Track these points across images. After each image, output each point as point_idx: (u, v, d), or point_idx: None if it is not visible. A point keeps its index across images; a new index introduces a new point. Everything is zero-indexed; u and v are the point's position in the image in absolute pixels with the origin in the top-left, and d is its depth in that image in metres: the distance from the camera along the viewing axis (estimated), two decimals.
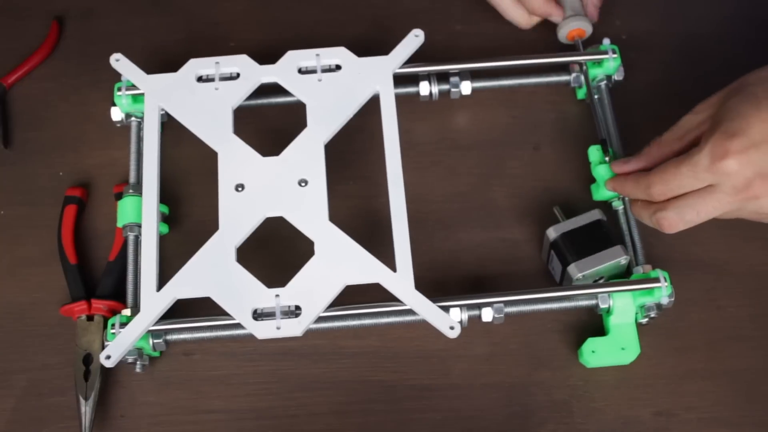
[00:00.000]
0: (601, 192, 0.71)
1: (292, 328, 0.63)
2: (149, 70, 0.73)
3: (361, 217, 0.70)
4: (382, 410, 0.68)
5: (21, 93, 0.80)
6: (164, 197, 0.73)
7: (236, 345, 0.70)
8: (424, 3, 0.83)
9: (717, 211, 0.62)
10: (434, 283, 0.71)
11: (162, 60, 0.77)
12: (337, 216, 0.70)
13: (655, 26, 0.81)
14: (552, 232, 0.68)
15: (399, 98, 0.76)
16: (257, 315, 0.64)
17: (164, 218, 0.72)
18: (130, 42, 0.81)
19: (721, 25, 0.81)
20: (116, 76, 0.74)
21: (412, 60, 0.74)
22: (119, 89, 0.73)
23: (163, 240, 0.72)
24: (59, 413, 0.68)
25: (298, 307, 0.64)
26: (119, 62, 0.73)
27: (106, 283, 0.71)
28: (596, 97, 0.76)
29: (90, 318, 0.70)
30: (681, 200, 0.63)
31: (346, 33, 0.81)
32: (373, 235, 0.69)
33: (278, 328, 0.63)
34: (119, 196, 0.72)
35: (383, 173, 0.69)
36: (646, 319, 0.67)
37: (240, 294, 0.64)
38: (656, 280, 0.66)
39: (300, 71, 0.73)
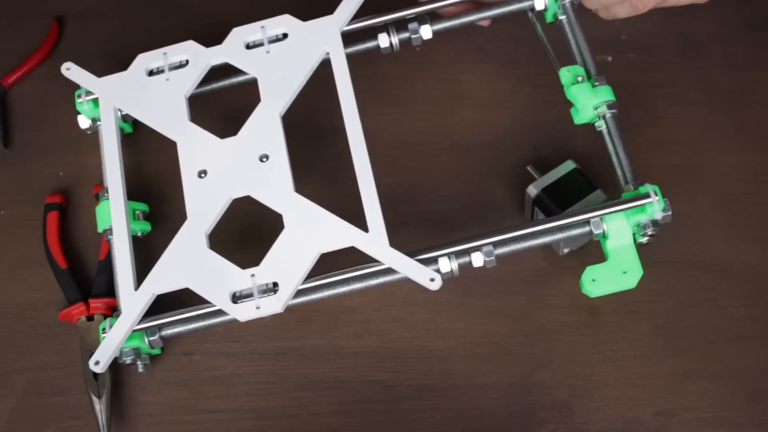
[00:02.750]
0: (582, 114, 0.69)
1: (272, 306, 0.63)
2: None
3: (361, 216, 0.70)
4: (382, 410, 0.68)
5: (21, 93, 0.80)
6: (150, 195, 0.73)
7: (236, 345, 0.70)
8: None
9: None
10: None
11: None
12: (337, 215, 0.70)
13: (655, 26, 0.81)
14: (532, 189, 0.68)
15: (399, 98, 0.76)
16: (236, 298, 0.64)
17: (146, 216, 0.72)
18: (130, 42, 0.81)
19: (721, 25, 0.81)
20: None
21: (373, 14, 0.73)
22: (79, 96, 0.73)
23: (151, 238, 0.72)
24: (59, 413, 0.68)
25: (275, 284, 0.63)
26: (70, 70, 0.73)
27: (100, 282, 0.71)
28: (563, 17, 0.73)
29: (90, 318, 0.70)
30: None
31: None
32: None
33: (258, 308, 0.63)
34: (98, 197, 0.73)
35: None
36: (646, 238, 0.65)
37: (216, 280, 0.64)
38: (646, 195, 0.64)
39: (247, 47, 0.72)
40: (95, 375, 0.67)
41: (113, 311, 0.70)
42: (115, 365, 0.67)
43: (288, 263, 0.64)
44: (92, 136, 0.76)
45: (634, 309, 0.69)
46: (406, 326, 0.70)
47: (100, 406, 0.67)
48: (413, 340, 0.70)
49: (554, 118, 0.77)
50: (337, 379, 0.69)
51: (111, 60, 0.79)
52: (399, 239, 0.71)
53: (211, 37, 0.81)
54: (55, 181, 0.76)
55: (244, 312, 0.63)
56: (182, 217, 0.72)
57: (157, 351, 0.68)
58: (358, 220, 0.68)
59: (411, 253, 0.64)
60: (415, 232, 0.73)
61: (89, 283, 0.72)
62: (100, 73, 0.73)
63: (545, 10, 0.74)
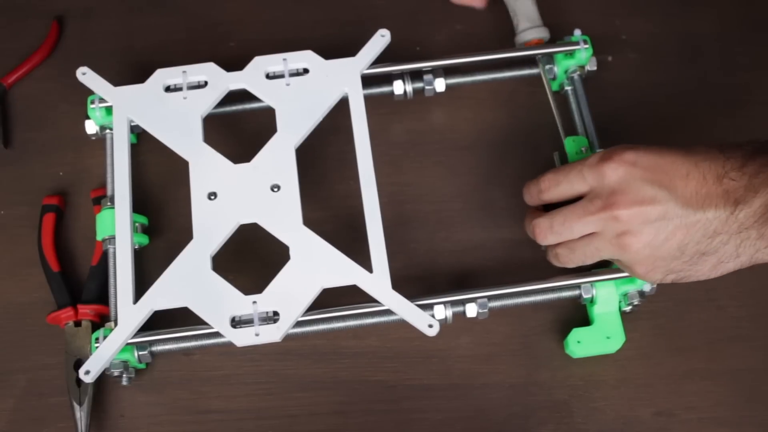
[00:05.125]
0: None
1: (271, 334, 0.63)
2: (149, 70, 0.73)
3: (361, 216, 0.70)
4: (382, 410, 0.68)
5: (21, 93, 0.80)
6: (148, 207, 0.73)
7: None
8: (426, 2, 0.83)
9: (583, 224, 0.62)
10: (435, 284, 0.71)
11: (162, 60, 0.76)
12: (337, 215, 0.70)
13: (655, 26, 0.81)
14: None
15: (397, 98, 0.76)
16: (236, 323, 0.64)
17: (144, 229, 0.72)
18: (130, 42, 0.81)
19: (721, 25, 0.81)
20: (115, 77, 0.74)
21: (402, 60, 0.75)
22: (92, 102, 0.73)
23: (149, 250, 0.72)
24: (59, 413, 0.68)
25: (276, 313, 0.64)
26: (86, 76, 0.73)
27: (90, 288, 0.70)
28: (570, 88, 0.76)
29: (78, 324, 0.69)
30: (556, 211, 0.64)
31: (347, 33, 0.81)
32: None
33: (257, 335, 0.63)
34: (97, 201, 0.73)
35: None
36: (630, 307, 0.68)
37: (217, 302, 0.64)
38: None
39: (268, 76, 0.72)
40: (78, 382, 0.67)
41: (102, 318, 0.70)
42: (101, 374, 0.68)
43: (290, 294, 0.64)
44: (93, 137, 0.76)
45: (634, 309, 0.69)
46: (406, 326, 0.70)
47: (80, 413, 0.67)
48: (413, 340, 0.70)
49: (554, 118, 0.77)
50: (337, 379, 0.69)
51: (111, 60, 0.79)
52: (399, 240, 0.71)
53: (211, 37, 0.81)
54: (55, 182, 0.76)
55: (242, 338, 0.63)
56: (177, 232, 0.72)
57: (143, 366, 0.68)
58: (355, 222, 0.68)
59: (409, 298, 0.65)
60: (414, 233, 0.73)
61: (80, 287, 0.71)
62: (99, 73, 0.73)
63: (554, 78, 0.76)
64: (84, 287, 0.71)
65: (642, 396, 0.68)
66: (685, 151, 0.61)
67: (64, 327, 0.70)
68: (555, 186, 0.64)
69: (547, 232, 0.64)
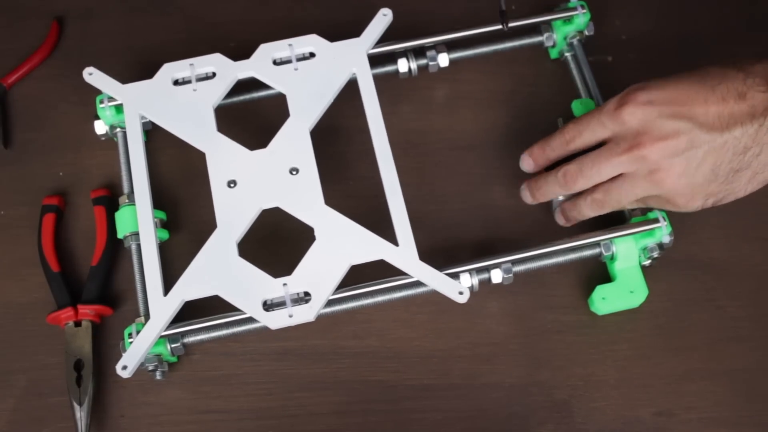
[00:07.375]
0: None
1: (305, 314, 0.64)
2: (149, 71, 0.73)
3: (362, 216, 0.70)
4: (382, 410, 0.68)
5: (21, 93, 0.80)
6: (165, 202, 0.73)
7: (236, 345, 0.70)
8: (425, 4, 0.83)
9: (611, 166, 0.64)
10: None
11: (163, 60, 0.76)
12: (344, 214, 0.70)
13: (655, 26, 0.81)
14: None
15: (399, 98, 0.76)
16: (267, 306, 0.64)
17: (163, 224, 0.72)
18: (130, 42, 0.81)
19: (721, 25, 0.81)
20: (116, 77, 0.74)
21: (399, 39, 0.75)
22: (101, 101, 0.73)
23: (170, 244, 0.72)
24: (59, 413, 0.68)
25: (307, 293, 0.64)
26: (93, 75, 0.73)
27: (90, 288, 0.70)
28: (570, 54, 0.77)
29: (78, 324, 0.69)
30: (584, 156, 0.65)
31: (347, 33, 0.80)
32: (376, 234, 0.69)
33: (291, 316, 0.64)
34: (97, 202, 0.73)
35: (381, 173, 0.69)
36: (649, 261, 0.69)
37: (247, 288, 0.65)
38: (656, 220, 0.68)
39: (275, 63, 0.73)
40: (78, 382, 0.67)
41: (102, 318, 0.70)
42: (98, 373, 0.68)
43: (320, 274, 0.65)
44: (92, 136, 0.76)
45: (634, 309, 0.69)
46: (406, 326, 0.70)
47: (80, 413, 0.67)
48: (413, 340, 0.70)
49: (554, 118, 0.77)
50: (337, 379, 0.69)
51: (111, 60, 0.79)
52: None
53: (211, 37, 0.81)
54: (55, 182, 0.76)
55: (276, 320, 0.64)
56: (196, 225, 0.73)
57: (174, 359, 0.68)
58: (360, 219, 0.68)
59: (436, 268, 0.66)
60: (414, 233, 0.73)
61: (80, 287, 0.71)
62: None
63: (553, 46, 0.77)
64: (84, 287, 0.71)
65: (642, 396, 0.68)
66: (699, 76, 0.62)
67: (64, 327, 0.70)
68: (579, 135, 0.66)
69: (578, 176, 0.65)
